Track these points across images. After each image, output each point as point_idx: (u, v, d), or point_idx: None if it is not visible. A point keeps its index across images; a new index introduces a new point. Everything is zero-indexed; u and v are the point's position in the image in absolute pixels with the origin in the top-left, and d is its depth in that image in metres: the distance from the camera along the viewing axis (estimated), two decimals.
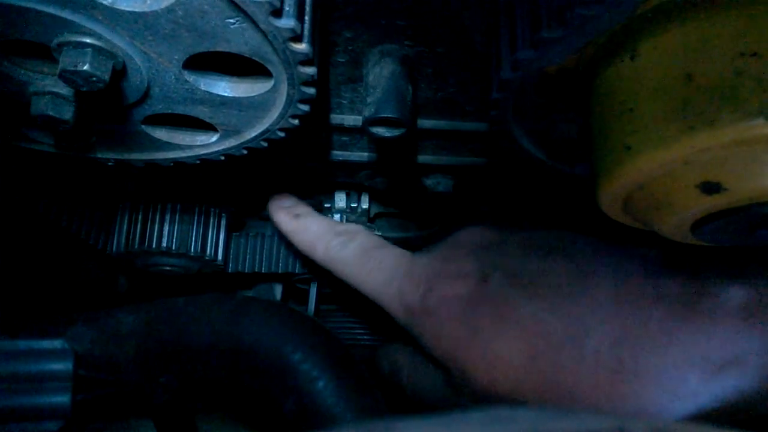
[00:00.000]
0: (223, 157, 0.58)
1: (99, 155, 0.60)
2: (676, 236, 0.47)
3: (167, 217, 0.76)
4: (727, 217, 0.42)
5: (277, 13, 0.41)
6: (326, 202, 0.83)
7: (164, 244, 0.75)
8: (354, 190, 0.84)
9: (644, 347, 0.49)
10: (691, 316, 0.49)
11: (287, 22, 0.41)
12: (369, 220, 0.86)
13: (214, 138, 0.56)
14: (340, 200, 0.82)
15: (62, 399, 0.44)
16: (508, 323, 0.53)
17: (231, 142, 0.56)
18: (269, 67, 0.46)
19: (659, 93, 0.41)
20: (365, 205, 0.83)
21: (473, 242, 0.62)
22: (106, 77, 0.45)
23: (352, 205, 0.83)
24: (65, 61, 0.44)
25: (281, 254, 0.83)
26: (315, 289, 0.85)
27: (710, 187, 0.40)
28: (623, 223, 0.50)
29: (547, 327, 0.52)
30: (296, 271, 0.83)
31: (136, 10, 0.42)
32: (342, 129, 0.66)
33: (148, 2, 0.41)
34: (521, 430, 0.20)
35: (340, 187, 0.83)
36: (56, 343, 0.45)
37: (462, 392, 0.55)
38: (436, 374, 0.58)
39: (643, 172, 0.42)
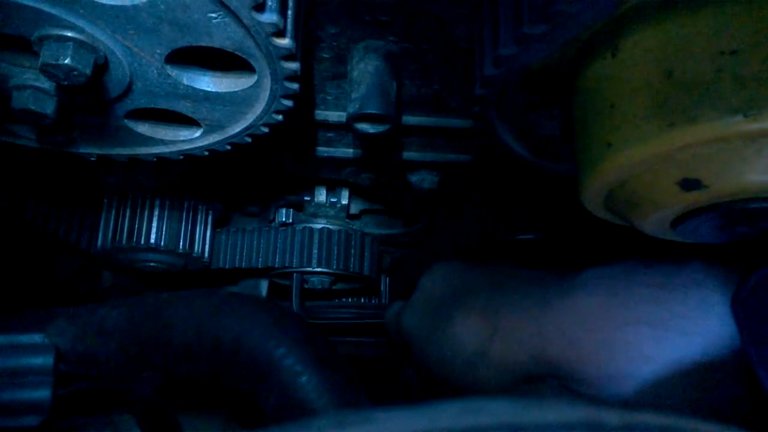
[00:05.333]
0: (206, 153, 0.58)
1: (81, 150, 0.59)
2: (657, 233, 0.47)
3: (155, 213, 0.76)
4: (707, 214, 0.43)
5: (260, 7, 0.41)
6: (306, 196, 0.83)
7: (152, 241, 0.75)
8: (337, 186, 0.84)
9: None
10: None
11: (270, 17, 0.41)
12: (353, 216, 0.86)
13: (198, 133, 0.56)
14: (320, 195, 0.82)
15: (42, 394, 0.44)
16: None
17: (214, 138, 0.56)
18: (252, 62, 0.46)
19: (640, 90, 0.41)
20: (345, 201, 0.83)
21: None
22: (88, 71, 0.44)
23: (332, 200, 0.83)
24: (46, 54, 0.44)
25: (261, 249, 0.83)
26: (298, 282, 0.84)
27: (690, 184, 0.41)
28: (605, 219, 0.51)
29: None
30: (275, 265, 0.83)
31: (118, 3, 0.41)
32: (327, 125, 0.66)
33: None
34: (495, 420, 0.20)
35: (325, 183, 0.83)
36: (36, 338, 0.45)
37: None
38: None
39: (624, 169, 0.42)
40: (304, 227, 0.83)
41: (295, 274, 0.84)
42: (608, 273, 0.58)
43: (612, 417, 0.20)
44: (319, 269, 0.82)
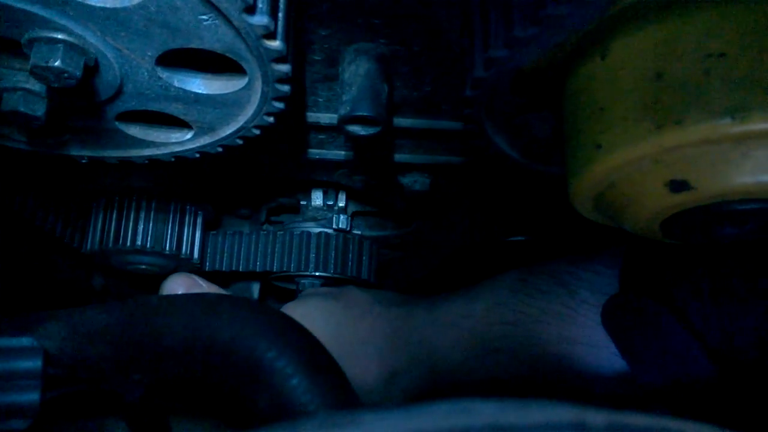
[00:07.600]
0: (198, 155, 0.58)
1: (72, 152, 0.59)
2: (646, 234, 0.47)
3: (142, 215, 0.76)
4: (696, 215, 0.43)
5: (251, 9, 0.41)
6: (303, 200, 0.83)
7: (138, 243, 0.75)
8: (332, 188, 0.84)
9: None
10: None
11: (260, 19, 0.41)
12: None
13: (189, 135, 0.56)
14: (317, 198, 0.82)
15: (30, 397, 0.44)
16: None
17: (206, 140, 0.56)
18: (243, 64, 0.46)
19: (629, 92, 0.41)
20: (342, 204, 0.83)
21: None
22: (78, 73, 0.44)
23: (329, 203, 0.83)
24: (36, 57, 0.43)
25: (259, 252, 0.83)
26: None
27: (678, 186, 0.41)
28: (595, 221, 0.51)
29: None
30: (274, 269, 0.83)
31: (108, 6, 0.41)
32: (318, 127, 0.66)
33: None
34: (483, 421, 0.20)
35: (318, 185, 0.83)
36: (25, 341, 0.45)
37: None
38: None
39: (613, 171, 0.42)
40: (302, 231, 0.83)
41: (297, 280, 0.84)
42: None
43: (598, 418, 0.20)
44: (317, 273, 0.82)
